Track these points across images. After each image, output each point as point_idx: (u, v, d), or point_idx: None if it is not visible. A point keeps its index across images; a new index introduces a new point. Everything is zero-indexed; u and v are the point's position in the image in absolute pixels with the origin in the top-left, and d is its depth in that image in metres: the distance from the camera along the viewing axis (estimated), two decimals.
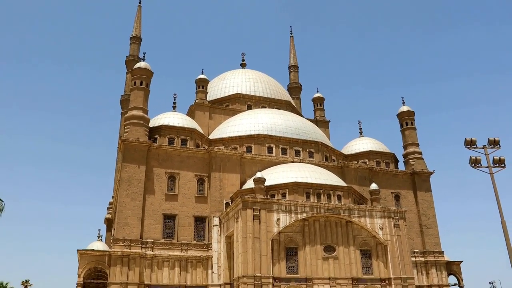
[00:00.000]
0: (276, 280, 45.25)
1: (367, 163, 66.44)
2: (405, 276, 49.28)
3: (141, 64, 61.09)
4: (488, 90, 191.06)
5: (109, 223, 74.39)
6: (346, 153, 69.69)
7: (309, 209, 48.92)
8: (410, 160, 68.57)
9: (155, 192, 53.99)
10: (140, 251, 50.09)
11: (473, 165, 29.82)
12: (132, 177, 52.90)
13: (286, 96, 79.78)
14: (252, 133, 62.10)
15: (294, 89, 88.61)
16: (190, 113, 69.15)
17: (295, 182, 52.37)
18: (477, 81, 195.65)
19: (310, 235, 48.40)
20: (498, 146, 30.34)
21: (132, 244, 50.01)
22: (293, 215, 48.09)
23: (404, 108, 71.62)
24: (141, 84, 59.63)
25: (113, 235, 56.50)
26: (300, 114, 77.35)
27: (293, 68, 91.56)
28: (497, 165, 29.81)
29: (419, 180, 66.65)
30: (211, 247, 52.98)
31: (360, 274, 48.70)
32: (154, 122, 59.79)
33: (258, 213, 46.65)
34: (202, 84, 69.81)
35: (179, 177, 55.52)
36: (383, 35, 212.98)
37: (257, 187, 49.79)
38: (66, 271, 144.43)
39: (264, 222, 46.58)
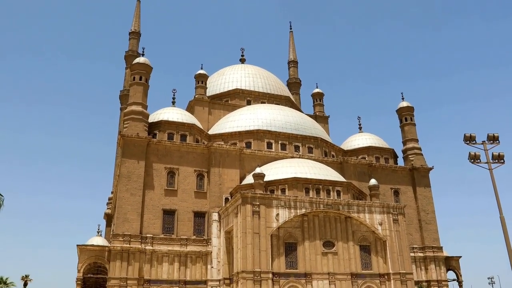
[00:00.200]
0: (276, 275, 45.36)
1: (366, 159, 66.49)
2: (404, 271, 49.43)
3: (140, 59, 60.95)
4: (488, 86, 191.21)
5: (108, 218, 74.48)
6: (345, 149, 69.72)
7: (308, 204, 48.99)
8: (410, 156, 68.63)
9: (155, 188, 54.02)
10: (140, 246, 50.17)
11: (472, 160, 29.79)
12: (132, 173, 52.90)
13: (285, 91, 79.69)
14: (252, 128, 62.08)
15: (294, 84, 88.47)
16: (190, 109, 69.09)
17: (295, 177, 52.41)
18: (476, 76, 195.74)
19: (309, 230, 48.48)
20: (497, 142, 30.33)
21: (131, 239, 50.09)
22: (292, 210, 48.16)
23: (404, 104, 71.60)
24: (140, 79, 59.50)
25: (112, 230, 56.57)
26: (299, 110, 77.32)
27: (293, 63, 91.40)
28: (496, 161, 29.80)
29: (418, 176, 66.73)
30: (210, 242, 53.07)
31: (359, 270, 48.85)
32: (154, 117, 59.74)
33: (257, 209, 46.70)
34: (201, 80, 69.71)
35: (179, 173, 55.54)
36: (382, 31, 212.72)
37: (256, 183, 49.83)
38: (66, 266, 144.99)
39: (263, 217, 46.64)
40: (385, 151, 69.03)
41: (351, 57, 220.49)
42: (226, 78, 75.98)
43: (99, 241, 56.73)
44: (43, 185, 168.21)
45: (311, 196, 51.39)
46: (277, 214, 47.38)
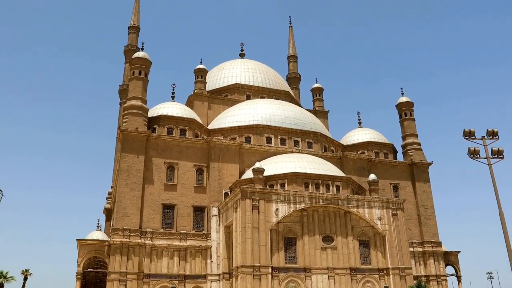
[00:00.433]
0: (275, 270, 45.54)
1: (366, 154, 66.54)
2: (403, 266, 49.65)
3: (139, 54, 60.80)
4: (487, 82, 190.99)
5: (108, 212, 74.56)
6: (345, 144, 69.74)
7: (307, 199, 49.08)
8: (409, 151, 68.65)
9: (154, 182, 54.06)
10: (139, 240, 50.28)
11: (471, 156, 29.78)
12: (131, 167, 52.92)
13: (285, 86, 79.57)
14: (251, 123, 62.05)
15: (293, 79, 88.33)
16: (189, 103, 69.01)
17: (294, 172, 52.46)
18: (476, 72, 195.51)
19: (308, 225, 48.60)
20: (497, 137, 30.27)
21: (131, 234, 50.21)
22: (291, 205, 48.25)
23: (403, 99, 71.55)
24: (139, 74, 59.40)
25: (112, 224, 56.66)
26: (299, 105, 77.24)
27: (292, 58, 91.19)
28: (496, 156, 29.76)
29: (417, 171, 66.79)
30: (210, 237, 53.19)
31: (358, 264, 49.06)
32: (153, 112, 59.67)
33: (257, 203, 46.79)
34: (201, 74, 69.59)
35: (178, 167, 55.57)
36: (382, 26, 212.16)
37: (256, 177, 49.89)
38: (66, 260, 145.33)
39: (263, 212, 46.74)
40: (385, 146, 69.07)
41: (351, 52, 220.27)
42: (226, 73, 75.84)
43: (99, 235, 56.87)
44: (43, 180, 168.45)
45: (310, 191, 51.45)
46: (277, 209, 47.47)
